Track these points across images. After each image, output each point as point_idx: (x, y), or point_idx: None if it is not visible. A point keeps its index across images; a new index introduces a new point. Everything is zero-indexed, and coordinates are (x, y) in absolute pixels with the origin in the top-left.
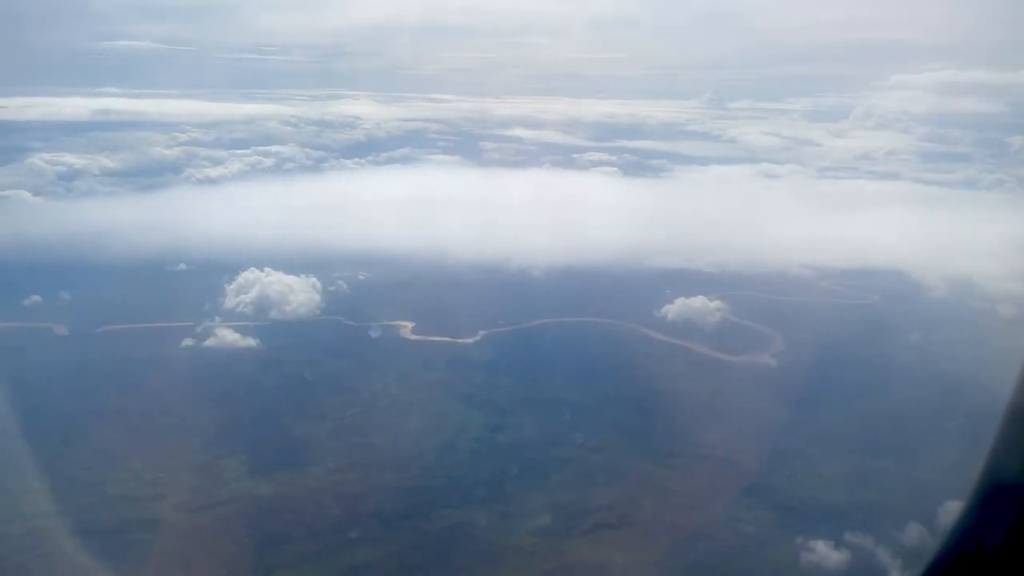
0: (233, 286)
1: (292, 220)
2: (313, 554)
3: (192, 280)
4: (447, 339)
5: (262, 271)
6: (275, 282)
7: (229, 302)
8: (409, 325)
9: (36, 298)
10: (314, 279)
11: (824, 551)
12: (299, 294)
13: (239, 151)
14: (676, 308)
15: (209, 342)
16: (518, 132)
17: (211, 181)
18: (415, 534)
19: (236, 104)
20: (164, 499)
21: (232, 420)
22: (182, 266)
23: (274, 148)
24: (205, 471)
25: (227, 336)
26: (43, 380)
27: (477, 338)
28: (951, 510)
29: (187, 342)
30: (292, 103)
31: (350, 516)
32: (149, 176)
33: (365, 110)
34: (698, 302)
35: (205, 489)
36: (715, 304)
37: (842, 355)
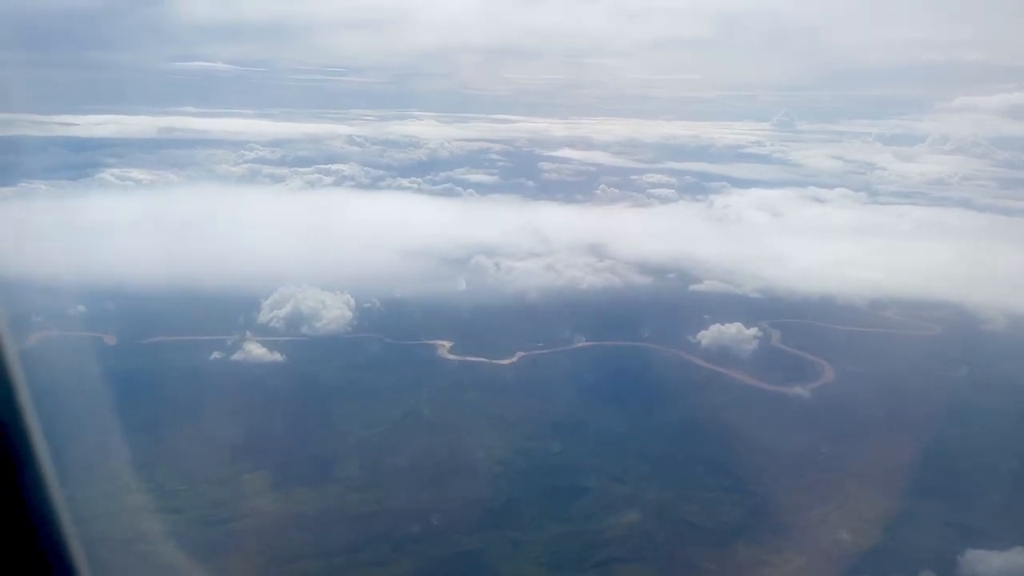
0: (269, 301)
1: (335, 237)
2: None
3: (234, 295)
4: (484, 359)
5: (297, 287)
6: (308, 298)
7: (263, 316)
8: (447, 344)
9: (81, 307)
10: (348, 296)
11: None
12: (331, 310)
13: (301, 169)
14: (711, 334)
15: (236, 356)
16: (578, 153)
17: (269, 197)
18: (423, 559)
19: (305, 124)
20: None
21: (252, 435)
22: (227, 280)
23: (335, 166)
24: (224, 484)
25: (254, 350)
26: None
27: (514, 359)
28: (973, 558)
29: (216, 355)
30: (359, 123)
31: (362, 536)
32: (212, 192)
33: (429, 130)
34: (734, 328)
35: (224, 503)
36: (752, 331)
37: (887, 387)
